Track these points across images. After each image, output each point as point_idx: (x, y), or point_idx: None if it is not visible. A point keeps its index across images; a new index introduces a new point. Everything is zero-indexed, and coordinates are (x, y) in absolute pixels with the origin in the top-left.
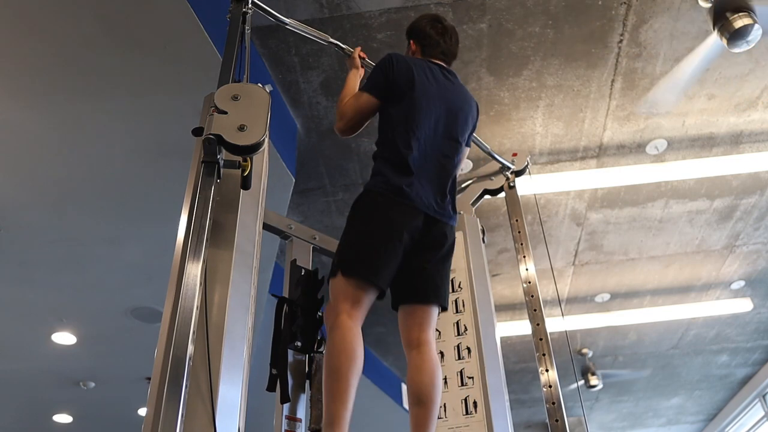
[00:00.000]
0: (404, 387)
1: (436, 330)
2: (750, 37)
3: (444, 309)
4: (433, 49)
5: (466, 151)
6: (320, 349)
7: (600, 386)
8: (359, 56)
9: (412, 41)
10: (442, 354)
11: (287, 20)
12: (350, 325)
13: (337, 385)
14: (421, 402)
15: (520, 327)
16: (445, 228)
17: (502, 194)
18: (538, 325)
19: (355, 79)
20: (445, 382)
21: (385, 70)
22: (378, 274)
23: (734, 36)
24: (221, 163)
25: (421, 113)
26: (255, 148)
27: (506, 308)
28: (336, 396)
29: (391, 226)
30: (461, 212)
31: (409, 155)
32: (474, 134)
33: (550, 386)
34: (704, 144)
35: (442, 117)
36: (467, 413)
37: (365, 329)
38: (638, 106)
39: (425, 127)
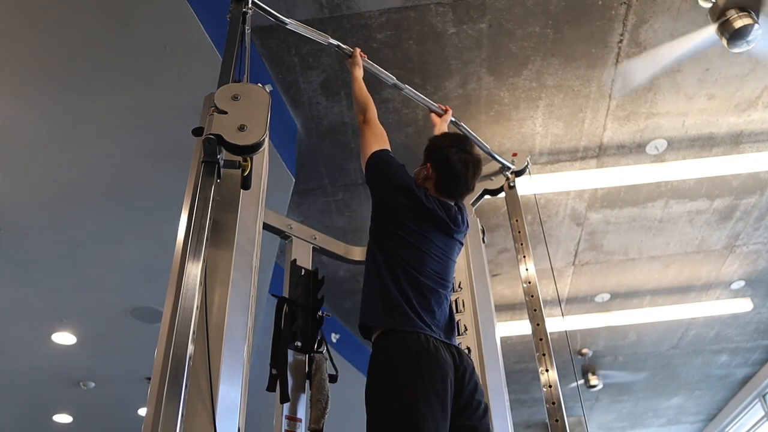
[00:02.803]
0: None
1: None
2: (750, 37)
3: None
4: (452, 184)
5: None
6: (320, 349)
7: (600, 386)
8: (360, 55)
9: (429, 164)
10: None
11: (287, 20)
12: None
13: None
14: None
15: (520, 327)
16: (472, 365)
17: (502, 194)
18: (538, 325)
19: (360, 76)
20: None
21: (408, 192)
22: None
23: (734, 36)
24: (221, 163)
25: (425, 256)
26: (255, 148)
27: (506, 308)
28: None
29: (431, 378)
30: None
31: (411, 292)
32: (472, 132)
33: (550, 386)
34: (704, 144)
35: (446, 258)
36: None
37: None
38: (606, 73)
39: (429, 269)
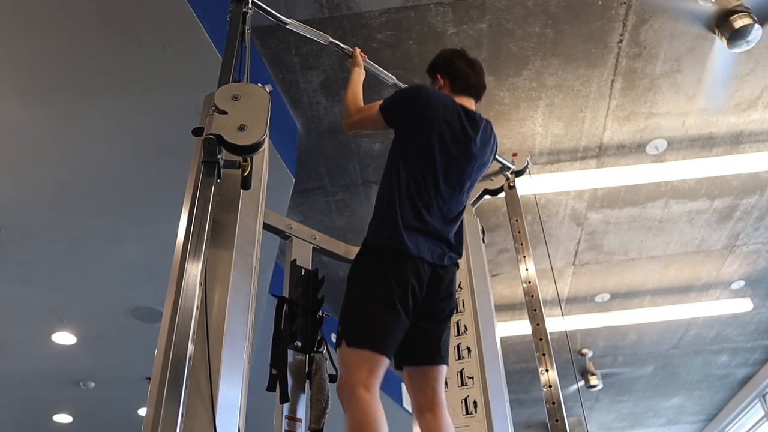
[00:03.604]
0: (404, 387)
1: None
2: (750, 37)
3: (446, 365)
4: (464, 81)
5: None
6: (320, 349)
7: (600, 386)
8: (360, 55)
9: (439, 75)
10: None
11: (287, 20)
12: (368, 398)
13: None
14: None
15: (520, 327)
16: (452, 274)
17: (502, 194)
18: (538, 325)
19: (359, 77)
20: (445, 383)
21: (409, 102)
22: (387, 345)
23: (734, 36)
24: (221, 163)
25: (439, 164)
26: (255, 148)
27: (506, 308)
28: None
29: (398, 287)
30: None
31: (416, 206)
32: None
33: (550, 386)
34: (704, 144)
35: (460, 171)
36: (467, 413)
37: None
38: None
39: (440, 180)
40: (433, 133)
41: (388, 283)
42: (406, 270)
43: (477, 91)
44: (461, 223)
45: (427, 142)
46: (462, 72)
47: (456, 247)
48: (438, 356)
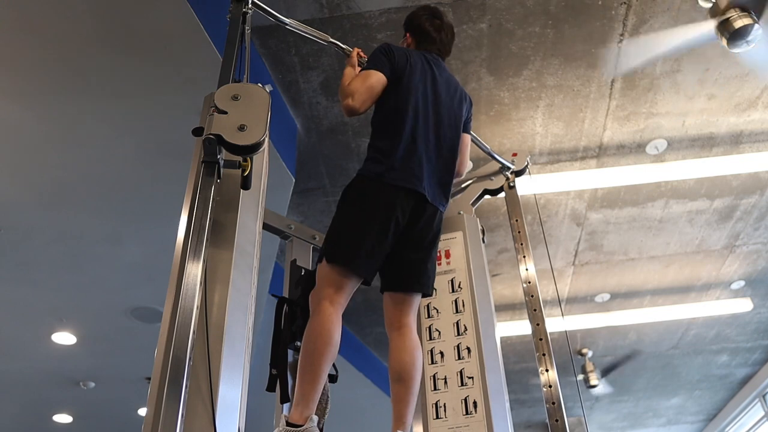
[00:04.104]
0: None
1: (436, 330)
2: (750, 37)
3: (427, 295)
4: (429, 45)
5: (467, 140)
6: None
7: (600, 386)
8: (358, 55)
9: (408, 33)
10: (442, 354)
11: (287, 20)
12: (330, 311)
13: (311, 367)
14: (402, 379)
15: (520, 327)
16: (435, 213)
17: (502, 194)
18: (538, 325)
19: (352, 74)
20: (445, 382)
21: (386, 54)
22: (360, 264)
23: (734, 36)
24: (221, 163)
25: (416, 97)
26: (255, 148)
27: (506, 308)
28: (309, 377)
29: (379, 213)
30: (461, 212)
31: (402, 137)
32: (472, 132)
33: (550, 386)
34: (704, 144)
35: (437, 102)
36: (467, 413)
37: (365, 329)
38: (608, 49)
39: (420, 111)
40: (406, 71)
41: (371, 209)
42: (389, 199)
43: (440, 54)
44: (451, 180)
45: (402, 79)
46: (429, 36)
47: (441, 194)
48: (412, 284)
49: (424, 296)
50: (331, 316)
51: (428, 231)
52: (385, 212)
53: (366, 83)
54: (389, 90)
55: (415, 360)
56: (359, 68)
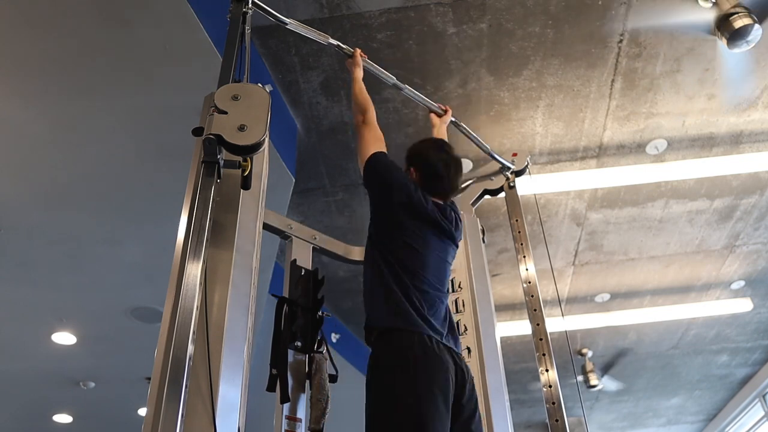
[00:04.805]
0: None
1: None
2: (750, 37)
3: None
4: (436, 184)
5: None
6: (320, 349)
7: (600, 386)
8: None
9: (413, 168)
10: None
11: (287, 20)
12: None
13: None
14: None
15: (520, 327)
16: (466, 369)
17: (502, 194)
18: (538, 325)
19: (360, 76)
20: None
21: (408, 191)
22: None
23: (734, 36)
24: (221, 163)
25: (422, 253)
26: (255, 148)
27: (506, 308)
28: None
29: (433, 373)
30: (461, 212)
31: (415, 292)
32: (472, 132)
33: (550, 386)
34: (704, 144)
35: (442, 257)
36: None
37: None
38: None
39: (427, 267)
40: (416, 220)
41: (422, 373)
42: (435, 355)
43: (447, 194)
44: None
45: (411, 227)
46: (438, 173)
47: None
48: None
49: None
50: None
51: (472, 389)
52: (440, 374)
53: (366, 137)
54: (391, 234)
55: None
56: (362, 70)
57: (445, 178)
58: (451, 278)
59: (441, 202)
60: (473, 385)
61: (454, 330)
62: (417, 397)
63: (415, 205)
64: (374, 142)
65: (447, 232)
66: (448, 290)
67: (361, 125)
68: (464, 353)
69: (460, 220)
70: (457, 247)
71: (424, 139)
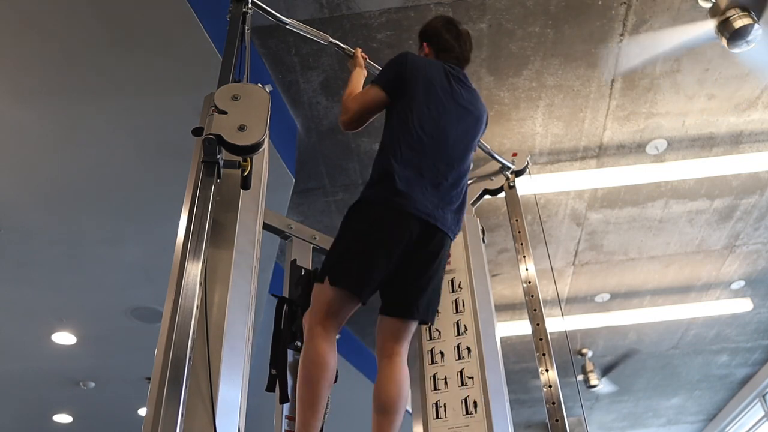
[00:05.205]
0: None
1: (436, 330)
2: (750, 37)
3: (425, 323)
4: (448, 54)
5: (471, 156)
6: None
7: (600, 386)
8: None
9: (425, 43)
10: (442, 354)
11: (287, 20)
12: (324, 336)
13: (309, 395)
14: (386, 411)
15: (520, 327)
16: (443, 239)
17: (502, 194)
18: (538, 325)
19: (360, 77)
20: (445, 382)
21: (398, 66)
22: (365, 288)
23: (734, 36)
24: (221, 163)
25: (430, 115)
26: (255, 148)
27: (506, 308)
28: (307, 404)
29: (385, 238)
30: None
31: (412, 160)
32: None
33: (550, 386)
34: (704, 144)
35: (452, 122)
36: (467, 413)
37: (365, 329)
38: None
39: (433, 131)
40: (419, 85)
41: (379, 233)
42: (397, 226)
43: (459, 62)
44: (463, 202)
45: (419, 93)
46: (447, 44)
47: (453, 221)
48: (415, 312)
49: (422, 323)
50: (324, 341)
51: (434, 257)
52: (392, 238)
53: (362, 100)
54: (399, 105)
55: (402, 392)
56: (364, 70)
57: (456, 48)
58: (451, 278)
59: (455, 67)
60: (440, 248)
61: (457, 207)
62: (363, 236)
63: (429, 78)
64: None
65: (460, 94)
66: (468, 167)
67: (350, 103)
68: (464, 353)
69: (480, 101)
70: (479, 124)
71: (435, 17)
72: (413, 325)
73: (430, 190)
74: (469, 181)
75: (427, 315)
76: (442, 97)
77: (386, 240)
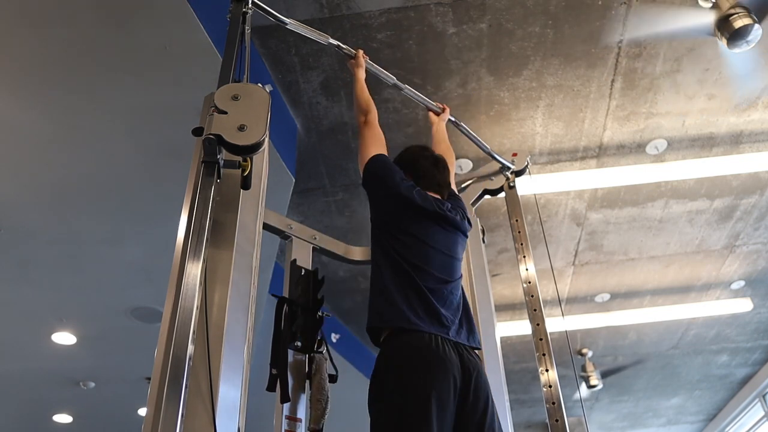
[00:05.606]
0: None
1: None
2: (750, 37)
3: None
4: (429, 181)
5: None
6: (320, 349)
7: (600, 386)
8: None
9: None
10: None
11: (287, 20)
12: None
13: None
14: None
15: (520, 327)
16: (475, 362)
17: (502, 194)
18: (538, 325)
19: (363, 78)
20: None
21: (402, 178)
22: None
23: (734, 36)
24: (221, 163)
25: (430, 248)
26: (255, 148)
27: (506, 308)
28: None
29: (432, 394)
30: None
31: (429, 294)
32: (472, 131)
33: (550, 386)
34: (704, 144)
35: (446, 252)
36: None
37: (365, 329)
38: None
39: (435, 262)
40: (407, 200)
41: (417, 394)
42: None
43: (441, 188)
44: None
45: (408, 231)
46: (426, 171)
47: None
48: None
49: None
50: None
51: (481, 392)
52: (439, 372)
53: (365, 140)
54: (397, 231)
55: None
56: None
57: (436, 175)
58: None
59: (439, 197)
60: (480, 381)
61: (470, 319)
62: (408, 398)
63: (414, 200)
64: (374, 143)
65: (450, 221)
66: (460, 277)
67: (363, 126)
68: None
69: (466, 211)
70: (465, 237)
71: (409, 147)
72: None
73: (437, 316)
74: (469, 181)
75: None
76: (436, 226)
77: (435, 393)
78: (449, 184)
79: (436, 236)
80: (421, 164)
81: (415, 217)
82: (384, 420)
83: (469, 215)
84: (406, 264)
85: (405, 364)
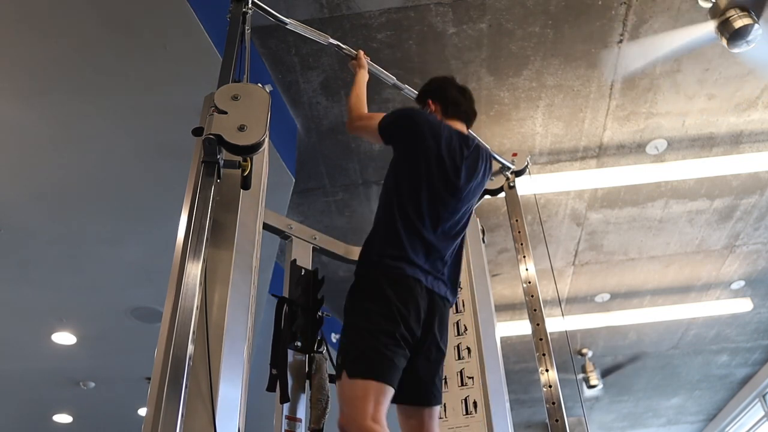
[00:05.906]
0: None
1: None
2: (750, 37)
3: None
4: (456, 108)
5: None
6: (320, 349)
7: (600, 386)
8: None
9: (430, 101)
10: None
11: (287, 20)
12: None
13: None
14: None
15: (520, 327)
16: (447, 309)
17: (502, 194)
18: (538, 325)
19: (363, 79)
20: (445, 383)
21: (406, 124)
22: (393, 374)
23: (734, 36)
24: (221, 163)
25: (438, 186)
26: (255, 148)
27: (506, 308)
28: None
29: (402, 312)
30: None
31: (421, 227)
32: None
33: (550, 386)
34: (704, 144)
35: (458, 191)
36: (467, 413)
37: None
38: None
39: (439, 199)
40: (428, 158)
41: (390, 311)
42: (409, 296)
43: (468, 116)
44: (459, 260)
45: (423, 165)
46: (454, 98)
47: (452, 287)
48: (434, 396)
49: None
50: None
51: (442, 329)
52: (409, 311)
53: (366, 125)
54: (409, 164)
55: None
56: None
57: (463, 102)
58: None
59: (464, 133)
60: (446, 318)
61: (454, 275)
62: (377, 315)
63: (442, 143)
64: (375, 115)
65: (471, 170)
66: (464, 227)
67: (357, 121)
68: (464, 353)
69: (487, 160)
70: (483, 181)
71: (435, 77)
72: (438, 409)
73: (437, 261)
74: None
75: (441, 396)
76: (449, 169)
77: (405, 312)
78: (476, 112)
79: (457, 182)
80: (448, 91)
81: (439, 159)
82: (359, 310)
83: (489, 161)
84: (416, 213)
85: (383, 291)
